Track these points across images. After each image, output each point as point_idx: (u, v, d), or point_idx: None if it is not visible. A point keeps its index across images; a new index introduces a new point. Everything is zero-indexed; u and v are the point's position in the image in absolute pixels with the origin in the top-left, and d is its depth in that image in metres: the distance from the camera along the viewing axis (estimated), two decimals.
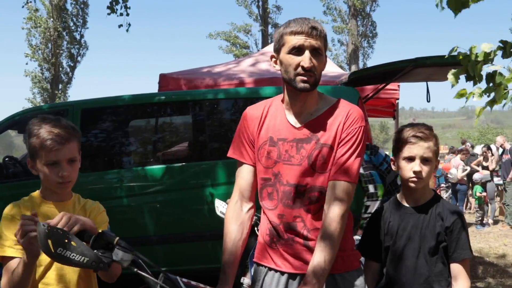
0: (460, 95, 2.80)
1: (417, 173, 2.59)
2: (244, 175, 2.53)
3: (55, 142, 2.27)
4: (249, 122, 2.51)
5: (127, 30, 10.69)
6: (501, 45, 2.81)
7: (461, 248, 2.59)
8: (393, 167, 2.77)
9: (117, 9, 10.25)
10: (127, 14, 10.41)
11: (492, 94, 2.73)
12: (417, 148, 2.59)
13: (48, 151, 2.27)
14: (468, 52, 2.83)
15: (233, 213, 2.50)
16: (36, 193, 2.43)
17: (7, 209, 2.32)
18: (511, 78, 2.59)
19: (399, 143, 2.65)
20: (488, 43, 2.80)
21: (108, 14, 10.26)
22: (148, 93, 6.84)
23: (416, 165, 2.59)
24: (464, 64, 2.82)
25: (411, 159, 2.61)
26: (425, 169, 2.60)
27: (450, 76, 2.87)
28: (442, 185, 15.63)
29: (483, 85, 2.85)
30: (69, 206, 2.43)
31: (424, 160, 2.60)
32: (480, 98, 2.78)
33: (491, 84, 2.73)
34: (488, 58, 2.79)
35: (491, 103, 2.73)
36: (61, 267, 2.31)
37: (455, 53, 2.89)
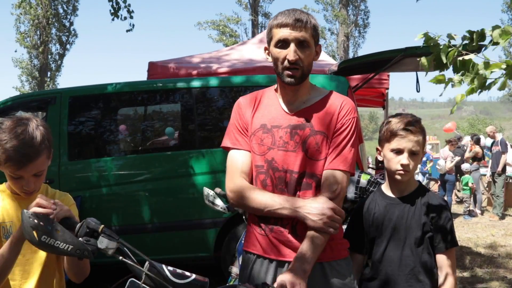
0: (438, 80, 2.76)
1: (405, 166, 2.58)
2: (243, 159, 2.46)
3: (21, 163, 2.16)
4: (243, 110, 2.51)
5: (131, 30, 10.80)
6: (467, 35, 2.77)
7: (447, 238, 2.59)
8: (378, 157, 2.77)
9: (120, 14, 10.24)
10: (131, 17, 10.44)
11: (470, 82, 2.69)
12: (406, 142, 2.58)
13: (13, 168, 2.18)
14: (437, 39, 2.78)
15: (246, 183, 2.42)
16: (3, 186, 2.38)
17: None
18: (499, 64, 2.54)
19: (388, 134, 2.63)
20: (454, 34, 2.75)
21: (112, 19, 10.24)
22: (137, 81, 6.81)
23: (404, 158, 2.58)
24: (433, 51, 2.78)
25: (399, 151, 2.60)
26: (412, 163, 2.60)
27: (423, 62, 2.83)
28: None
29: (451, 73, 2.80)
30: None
31: (412, 154, 2.60)
32: (460, 86, 2.75)
33: (462, 72, 2.68)
34: (459, 46, 2.74)
35: (470, 91, 2.69)
36: (25, 263, 2.30)
37: (422, 39, 2.83)
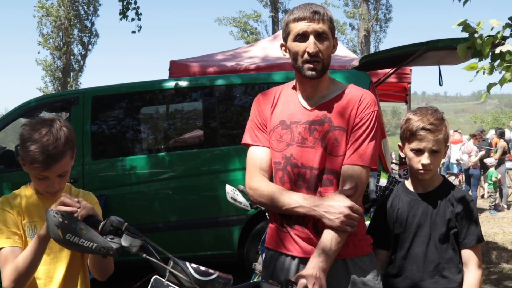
0: (471, 67, 2.72)
1: (426, 166, 2.54)
2: (262, 156, 2.45)
3: (46, 164, 2.19)
4: (262, 107, 2.50)
5: (138, 31, 10.97)
6: (510, 22, 2.72)
7: (472, 234, 2.55)
8: (400, 154, 2.73)
9: (128, 15, 10.41)
10: (139, 19, 10.62)
11: (504, 72, 2.65)
12: (426, 142, 2.52)
13: (38, 170, 2.21)
14: (476, 27, 2.74)
15: (265, 180, 2.42)
16: (27, 186, 2.40)
17: None
18: None
19: (407, 133, 2.58)
20: (497, 20, 2.70)
21: (120, 19, 10.40)
22: (159, 80, 6.85)
23: (425, 158, 2.53)
24: (471, 39, 2.74)
25: (419, 151, 2.56)
26: (434, 161, 2.55)
27: (459, 50, 2.79)
28: None
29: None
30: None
31: (433, 152, 2.55)
32: (491, 74, 2.70)
33: (498, 61, 2.64)
34: (496, 35, 2.70)
35: (503, 80, 2.65)
36: (50, 262, 2.32)
37: (461, 27, 2.79)
